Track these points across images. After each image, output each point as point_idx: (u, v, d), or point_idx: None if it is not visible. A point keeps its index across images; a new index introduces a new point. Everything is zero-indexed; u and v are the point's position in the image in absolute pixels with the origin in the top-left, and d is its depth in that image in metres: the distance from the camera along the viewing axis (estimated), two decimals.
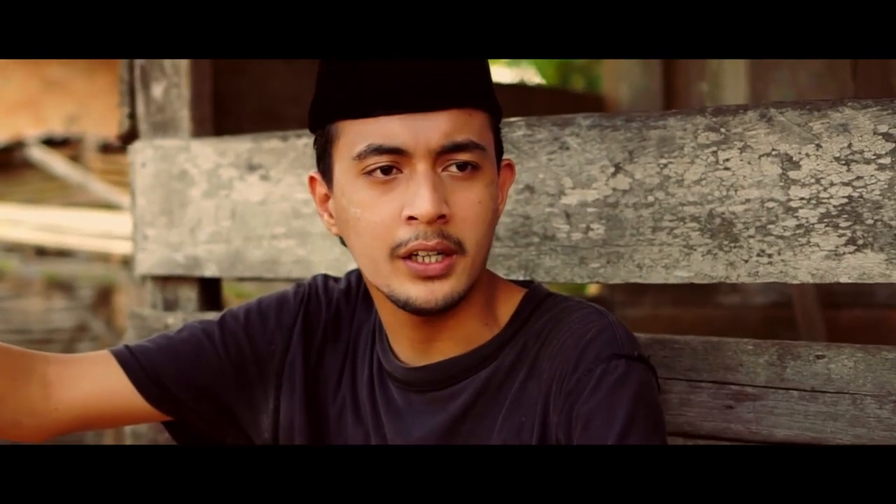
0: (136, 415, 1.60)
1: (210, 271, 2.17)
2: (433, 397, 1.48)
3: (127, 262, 5.69)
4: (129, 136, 2.26)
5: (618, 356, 1.35)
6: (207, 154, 2.17)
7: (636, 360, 1.37)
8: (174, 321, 2.08)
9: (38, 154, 7.96)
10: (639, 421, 1.31)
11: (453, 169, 1.37)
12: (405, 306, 1.41)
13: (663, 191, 1.61)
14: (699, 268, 1.58)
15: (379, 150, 1.36)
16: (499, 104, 1.45)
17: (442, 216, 1.35)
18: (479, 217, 1.38)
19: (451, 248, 1.36)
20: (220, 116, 2.30)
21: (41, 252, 6.08)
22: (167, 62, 2.17)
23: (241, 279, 2.20)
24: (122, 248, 5.42)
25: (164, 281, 2.24)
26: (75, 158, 8.35)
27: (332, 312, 1.62)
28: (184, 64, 2.17)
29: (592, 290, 4.46)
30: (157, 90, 2.24)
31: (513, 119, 1.75)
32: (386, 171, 1.37)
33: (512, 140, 1.73)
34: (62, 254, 5.94)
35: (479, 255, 1.40)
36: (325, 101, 1.44)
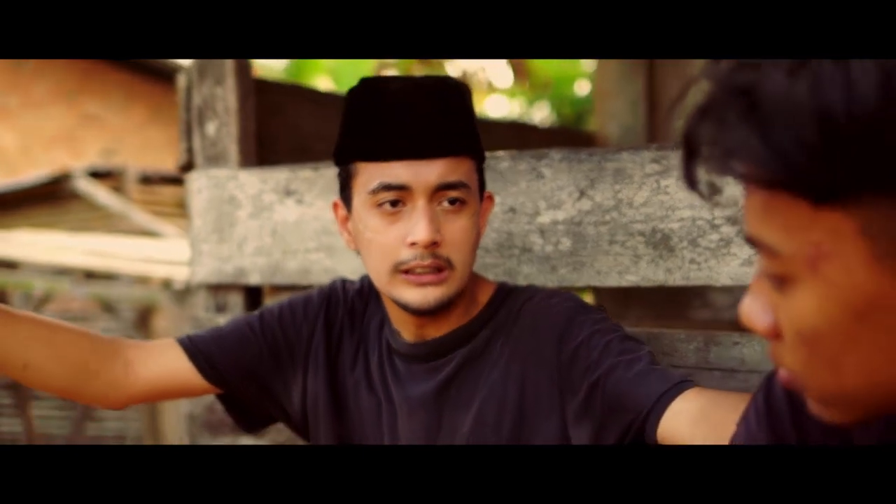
0: (194, 389, 1.88)
1: (254, 280, 2.40)
2: (429, 367, 1.75)
3: (167, 284, 5.90)
4: (187, 167, 2.50)
5: (582, 308, 1.66)
6: (252, 182, 2.39)
7: (591, 307, 1.68)
8: (222, 323, 2.28)
9: (83, 185, 8.14)
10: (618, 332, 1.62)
11: (445, 203, 1.63)
12: (405, 308, 1.67)
13: (617, 211, 1.88)
14: (644, 273, 1.85)
15: (388, 188, 1.62)
16: (482, 150, 1.70)
17: (435, 242, 1.61)
18: (464, 241, 1.65)
19: (442, 266, 1.63)
20: (262, 151, 2.52)
21: (90, 275, 6.33)
22: (219, 105, 2.42)
23: (280, 287, 2.43)
24: (161, 271, 5.63)
25: (215, 289, 2.47)
26: (117, 189, 8.49)
27: (348, 308, 1.88)
28: (232, 107, 2.41)
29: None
30: (211, 128, 2.48)
31: (500, 153, 2.02)
32: (393, 203, 1.62)
33: (498, 170, 2.00)
34: (108, 277, 6.16)
35: (465, 269, 1.67)
36: (348, 143, 1.69)
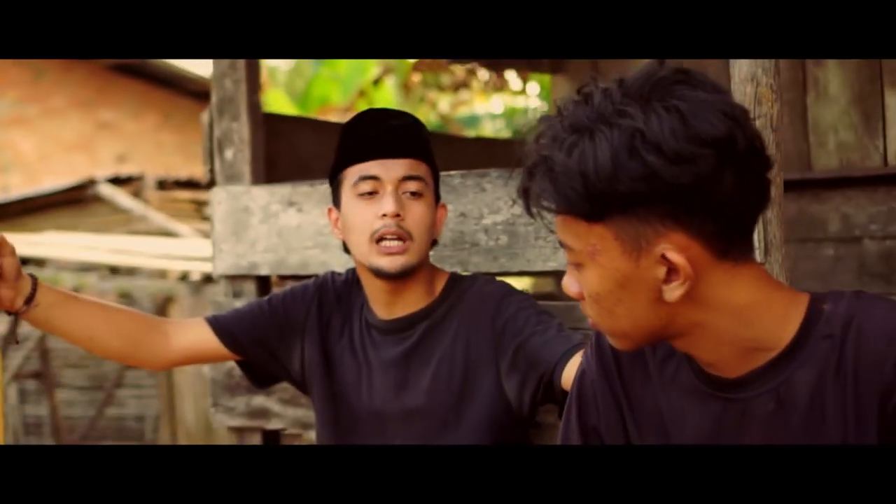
0: (218, 355, 2.26)
1: (264, 271, 2.78)
2: (398, 337, 2.17)
3: (184, 277, 6.26)
4: (210, 184, 2.89)
5: (511, 291, 2.13)
6: (262, 195, 2.77)
7: (518, 291, 2.15)
8: (239, 305, 2.55)
9: (105, 190, 8.57)
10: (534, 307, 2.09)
11: (408, 193, 2.08)
12: (378, 273, 2.09)
13: (541, 216, 2.38)
14: (561, 260, 2.29)
15: (365, 178, 2.07)
16: (435, 163, 2.15)
17: (398, 214, 2.05)
18: (421, 222, 2.08)
19: (404, 235, 2.05)
20: (270, 171, 2.91)
21: (114, 270, 6.67)
22: (235, 136, 2.84)
23: (284, 277, 2.83)
24: (178, 266, 5.99)
25: (233, 279, 2.84)
26: (136, 194, 8.90)
27: (337, 294, 2.27)
28: (246, 138, 2.82)
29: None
30: (229, 154, 2.88)
31: (453, 173, 2.46)
32: (370, 193, 2.07)
33: (453, 185, 2.45)
34: (130, 272, 6.50)
35: (422, 244, 2.08)
36: (339, 160, 2.13)
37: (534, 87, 10.40)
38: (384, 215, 2.07)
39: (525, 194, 1.34)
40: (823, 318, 1.36)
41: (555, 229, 1.38)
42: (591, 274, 1.34)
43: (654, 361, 1.48)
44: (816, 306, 1.37)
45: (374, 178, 2.09)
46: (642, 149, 1.25)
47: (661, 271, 1.30)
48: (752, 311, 1.35)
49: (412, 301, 2.18)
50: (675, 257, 1.29)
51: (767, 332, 1.36)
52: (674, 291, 1.31)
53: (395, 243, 2.08)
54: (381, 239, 2.08)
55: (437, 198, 2.19)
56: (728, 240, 1.31)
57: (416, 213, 2.10)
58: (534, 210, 1.35)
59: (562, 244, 1.36)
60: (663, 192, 1.26)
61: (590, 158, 1.26)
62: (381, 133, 2.12)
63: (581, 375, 1.56)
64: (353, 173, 2.12)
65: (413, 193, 2.10)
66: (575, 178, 1.27)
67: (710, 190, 1.26)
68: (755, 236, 2.08)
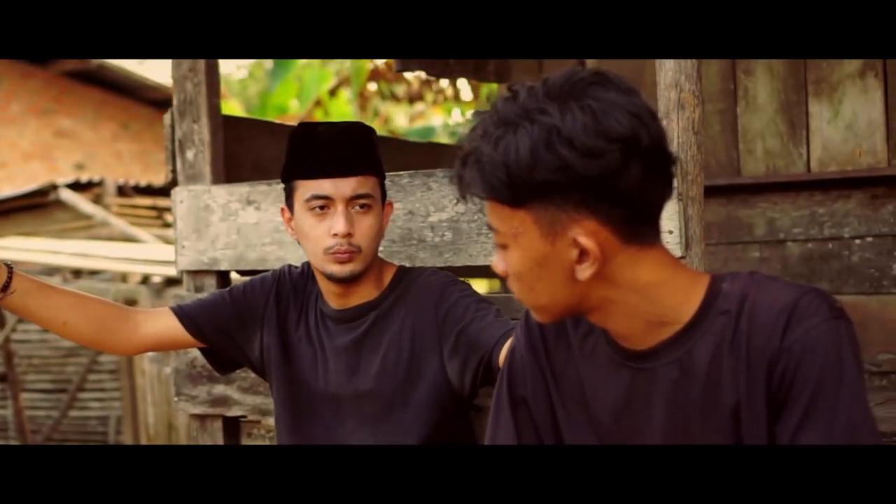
0: (183, 342, 2.37)
1: (224, 267, 2.86)
2: (350, 326, 2.30)
3: (144, 281, 6.30)
4: (172, 184, 2.96)
5: (453, 281, 2.27)
6: (222, 194, 2.86)
7: (460, 281, 2.30)
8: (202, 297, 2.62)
9: (67, 196, 8.58)
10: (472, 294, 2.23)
11: (357, 207, 2.19)
12: (330, 277, 2.23)
13: (482, 213, 2.12)
14: None
15: (317, 197, 2.17)
16: (383, 170, 2.25)
17: (349, 234, 2.17)
18: (370, 234, 2.21)
19: (353, 251, 2.19)
20: (229, 170, 2.99)
21: (76, 274, 6.69)
22: (196, 137, 2.92)
23: (243, 272, 2.92)
24: (140, 269, 6.02)
25: (194, 273, 2.93)
26: (96, 200, 8.92)
27: (293, 285, 2.38)
28: (206, 139, 2.91)
29: None
30: (190, 155, 2.95)
31: (402, 173, 2.58)
32: (321, 208, 2.17)
33: (401, 185, 2.57)
34: (92, 275, 6.52)
35: (370, 252, 2.22)
36: (291, 168, 2.23)
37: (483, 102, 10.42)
38: (336, 234, 2.18)
39: (458, 182, 1.49)
40: (722, 296, 1.51)
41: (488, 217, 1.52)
42: (514, 254, 1.47)
43: (576, 337, 1.63)
44: (716, 285, 1.53)
45: (325, 196, 2.19)
46: (557, 143, 1.40)
47: (574, 253, 1.45)
48: (656, 289, 1.50)
49: (362, 294, 2.30)
50: (586, 241, 1.44)
51: (671, 308, 1.51)
52: (584, 271, 1.46)
53: (345, 255, 2.20)
54: (333, 253, 2.21)
55: (384, 197, 2.30)
56: (634, 226, 1.46)
57: (366, 227, 2.21)
58: (466, 196, 1.49)
59: (490, 227, 1.51)
60: (575, 183, 1.41)
61: (512, 150, 1.40)
62: (332, 152, 2.19)
63: (512, 351, 1.70)
64: (304, 188, 2.21)
65: (363, 206, 2.21)
66: (499, 168, 1.41)
67: (616, 181, 1.41)
68: (677, 233, 2.26)
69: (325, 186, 2.19)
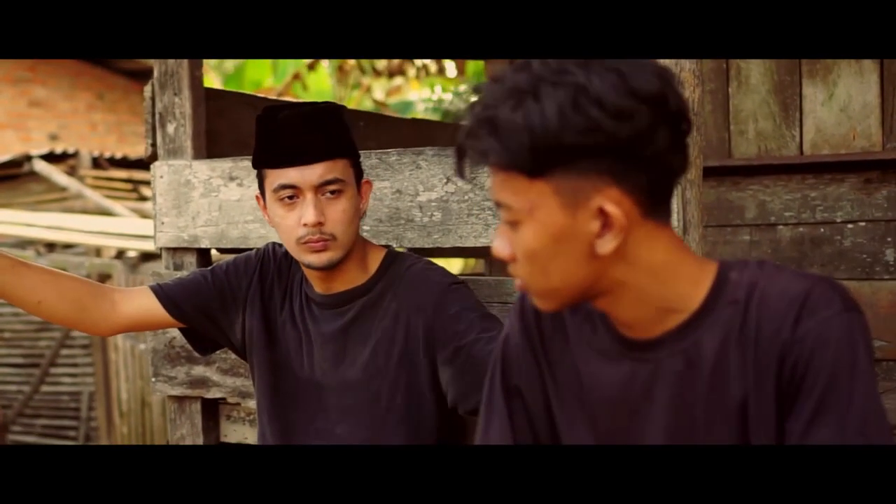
0: (162, 322, 2.32)
1: (204, 244, 2.81)
2: (336, 312, 2.23)
3: (119, 255, 6.26)
4: (152, 158, 2.92)
5: (455, 284, 2.19)
6: (203, 170, 2.81)
7: (460, 283, 2.20)
8: (182, 275, 2.57)
9: (41, 167, 8.51)
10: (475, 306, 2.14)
11: (328, 193, 2.12)
12: (308, 266, 2.18)
13: (473, 192, 2.41)
14: (491, 238, 2.25)
15: (284, 187, 2.12)
16: (356, 149, 2.18)
17: (320, 223, 2.10)
18: (344, 219, 2.14)
19: (326, 239, 2.12)
20: (211, 145, 2.94)
21: (50, 247, 6.66)
22: (177, 111, 2.87)
23: (224, 249, 2.88)
24: (115, 243, 5.99)
25: (174, 251, 2.87)
26: (71, 172, 8.84)
27: (277, 265, 2.32)
28: (188, 112, 2.85)
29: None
30: (171, 128, 2.90)
31: (390, 150, 2.53)
32: (290, 197, 2.12)
33: (389, 163, 2.52)
34: (67, 247, 6.49)
35: (347, 237, 2.14)
36: (259, 156, 2.18)
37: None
38: (306, 224, 2.13)
39: (462, 155, 1.40)
40: (730, 285, 1.45)
41: (492, 194, 1.44)
42: (528, 231, 1.39)
43: (573, 323, 1.57)
44: (724, 273, 1.47)
45: (292, 185, 2.13)
46: (586, 103, 1.32)
47: (596, 225, 1.37)
48: (667, 272, 1.44)
49: (348, 279, 2.25)
50: (612, 209, 1.36)
51: (680, 294, 1.45)
52: (607, 244, 1.38)
53: (319, 244, 2.15)
54: (306, 242, 2.16)
55: (360, 176, 2.24)
56: (655, 198, 1.40)
57: (337, 212, 2.15)
58: (466, 171, 1.42)
59: (498, 204, 1.42)
60: (604, 146, 1.33)
61: (536, 114, 1.32)
62: (295, 139, 2.13)
63: (505, 337, 1.64)
64: (272, 177, 2.17)
65: (333, 192, 2.15)
66: (522, 133, 1.33)
67: (645, 145, 1.35)
68: (674, 216, 2.22)
69: (290, 175, 2.13)
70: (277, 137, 2.15)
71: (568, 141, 1.32)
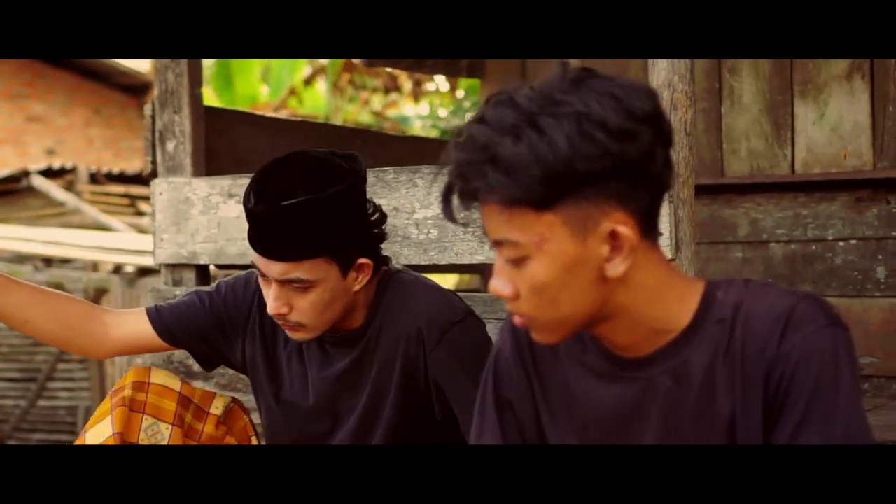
0: (156, 348, 2.25)
1: (203, 261, 2.83)
2: (339, 351, 2.15)
3: (117, 270, 6.25)
4: (152, 175, 2.94)
5: (454, 322, 2.08)
6: (202, 187, 2.83)
7: (471, 314, 2.10)
8: (179, 293, 2.70)
9: (39, 182, 8.53)
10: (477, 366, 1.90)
11: (294, 285, 1.99)
12: None
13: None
14: (487, 254, 2.39)
15: (255, 268, 2.03)
16: (338, 245, 1.98)
17: (282, 313, 2.01)
18: (312, 311, 2.02)
19: (294, 326, 2.03)
20: (210, 163, 2.97)
21: (48, 262, 6.65)
22: (177, 128, 2.89)
23: (223, 266, 2.90)
24: (112, 258, 5.99)
25: (173, 267, 2.90)
26: (68, 187, 8.85)
27: None
28: (187, 130, 2.88)
29: None
30: (170, 146, 2.93)
31: (387, 169, 2.55)
32: (263, 276, 2.02)
33: (386, 180, 2.54)
34: (65, 262, 6.47)
35: (318, 323, 2.03)
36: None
37: (460, 93, 10.47)
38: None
39: (449, 197, 1.38)
40: (717, 304, 1.47)
41: (489, 233, 1.41)
42: (538, 265, 1.37)
43: (564, 343, 1.57)
44: (711, 292, 1.49)
45: (260, 271, 2.05)
46: (591, 129, 1.32)
47: (606, 249, 1.38)
48: (659, 292, 1.45)
49: (347, 322, 2.17)
50: (624, 230, 1.37)
51: (669, 313, 1.47)
52: (618, 267, 1.39)
53: (288, 326, 2.09)
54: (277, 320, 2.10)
55: (348, 265, 2.07)
56: (651, 218, 1.42)
57: (305, 304, 2.04)
58: (458, 215, 1.40)
59: (499, 243, 1.37)
60: (613, 169, 1.34)
61: (543, 145, 1.31)
62: (262, 234, 2.01)
63: (497, 352, 1.65)
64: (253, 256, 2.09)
65: (297, 288, 2.03)
66: (532, 165, 1.31)
67: (647, 164, 1.37)
68: (667, 234, 2.25)
69: (259, 261, 2.04)
70: (250, 220, 2.05)
71: (580, 168, 1.32)
